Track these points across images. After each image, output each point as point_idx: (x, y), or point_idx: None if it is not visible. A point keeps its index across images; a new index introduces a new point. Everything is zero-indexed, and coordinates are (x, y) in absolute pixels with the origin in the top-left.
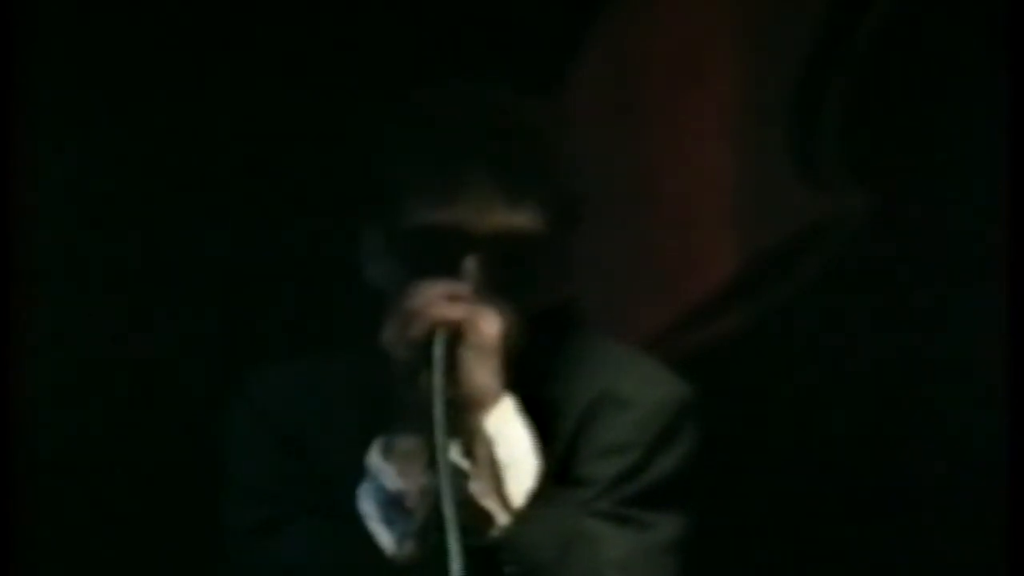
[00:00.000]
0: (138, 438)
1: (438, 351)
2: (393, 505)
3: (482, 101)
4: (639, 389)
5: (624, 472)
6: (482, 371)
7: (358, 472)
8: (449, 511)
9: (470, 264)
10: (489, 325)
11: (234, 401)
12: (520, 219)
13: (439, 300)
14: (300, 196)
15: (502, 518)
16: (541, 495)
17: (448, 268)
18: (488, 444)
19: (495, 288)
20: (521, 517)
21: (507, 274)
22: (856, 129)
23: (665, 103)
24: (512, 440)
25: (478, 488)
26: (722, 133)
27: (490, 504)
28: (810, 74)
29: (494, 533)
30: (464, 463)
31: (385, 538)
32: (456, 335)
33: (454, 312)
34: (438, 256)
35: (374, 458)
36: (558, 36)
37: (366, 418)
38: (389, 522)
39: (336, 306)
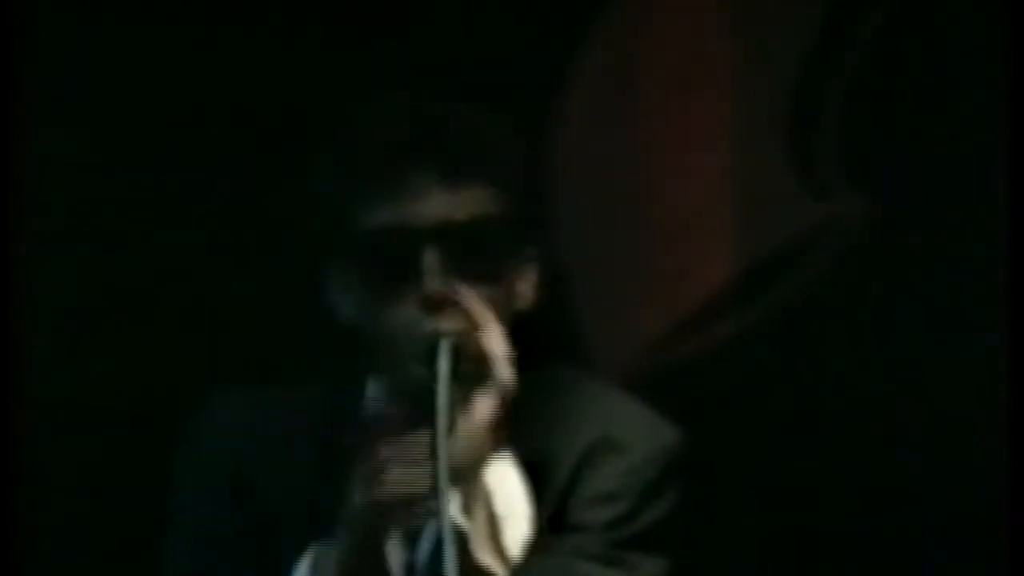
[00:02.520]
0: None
1: (443, 364)
2: None
3: (414, 107)
4: (633, 436)
5: (614, 519)
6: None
7: (306, 512)
8: (446, 524)
9: (429, 257)
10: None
11: (181, 438)
12: (467, 205)
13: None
14: (265, 228)
15: (500, 573)
16: (537, 543)
17: (407, 267)
18: (486, 499)
19: (462, 276)
20: (518, 569)
21: (469, 261)
22: (855, 133)
23: (664, 107)
24: (509, 492)
25: (476, 545)
26: (721, 137)
27: (487, 560)
28: (808, 78)
29: None
30: (464, 523)
31: None
32: (458, 348)
33: (454, 323)
34: (395, 258)
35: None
36: (558, 39)
37: (316, 455)
38: None
39: (291, 336)
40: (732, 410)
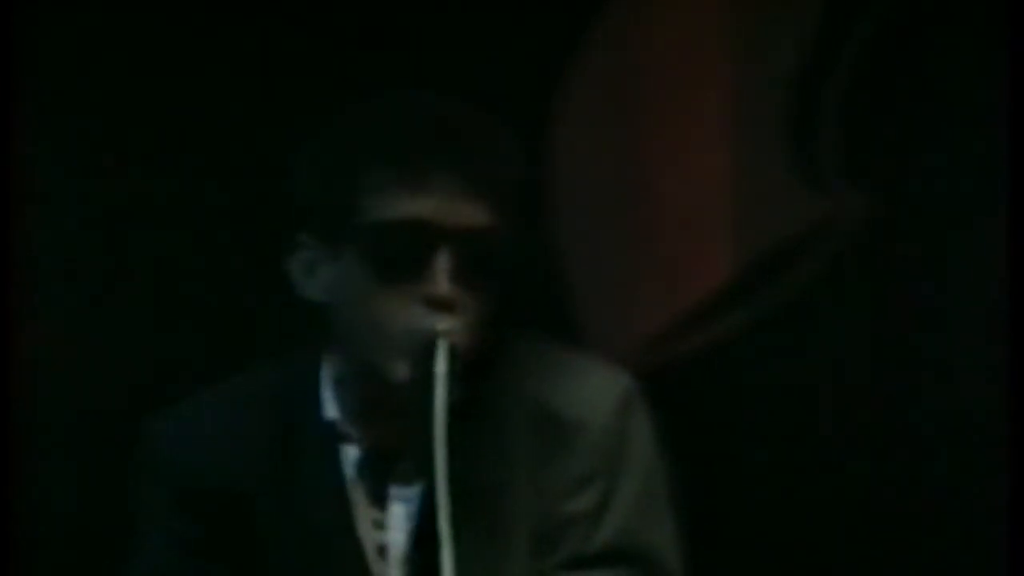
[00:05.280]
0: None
1: (441, 364)
2: None
3: (431, 103)
4: (582, 407)
5: (601, 502)
6: None
7: (265, 522)
8: (444, 523)
9: (443, 258)
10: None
11: (135, 454)
12: (484, 214)
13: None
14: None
15: None
16: None
17: (417, 263)
18: None
19: (465, 284)
20: None
21: (476, 270)
22: (854, 130)
23: (663, 105)
24: None
25: None
26: (720, 135)
27: None
28: (807, 76)
29: None
30: None
31: None
32: (454, 348)
33: (452, 324)
34: (407, 251)
35: None
36: (557, 37)
37: (273, 452)
38: None
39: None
40: (731, 409)
